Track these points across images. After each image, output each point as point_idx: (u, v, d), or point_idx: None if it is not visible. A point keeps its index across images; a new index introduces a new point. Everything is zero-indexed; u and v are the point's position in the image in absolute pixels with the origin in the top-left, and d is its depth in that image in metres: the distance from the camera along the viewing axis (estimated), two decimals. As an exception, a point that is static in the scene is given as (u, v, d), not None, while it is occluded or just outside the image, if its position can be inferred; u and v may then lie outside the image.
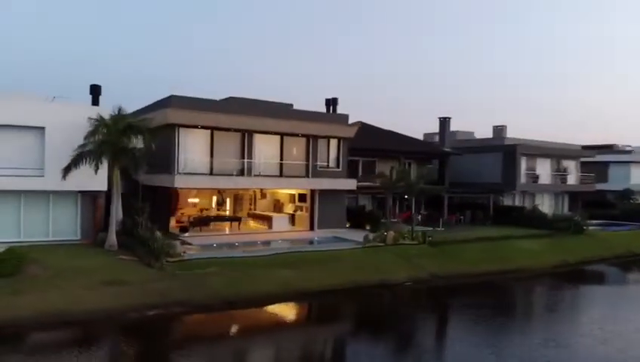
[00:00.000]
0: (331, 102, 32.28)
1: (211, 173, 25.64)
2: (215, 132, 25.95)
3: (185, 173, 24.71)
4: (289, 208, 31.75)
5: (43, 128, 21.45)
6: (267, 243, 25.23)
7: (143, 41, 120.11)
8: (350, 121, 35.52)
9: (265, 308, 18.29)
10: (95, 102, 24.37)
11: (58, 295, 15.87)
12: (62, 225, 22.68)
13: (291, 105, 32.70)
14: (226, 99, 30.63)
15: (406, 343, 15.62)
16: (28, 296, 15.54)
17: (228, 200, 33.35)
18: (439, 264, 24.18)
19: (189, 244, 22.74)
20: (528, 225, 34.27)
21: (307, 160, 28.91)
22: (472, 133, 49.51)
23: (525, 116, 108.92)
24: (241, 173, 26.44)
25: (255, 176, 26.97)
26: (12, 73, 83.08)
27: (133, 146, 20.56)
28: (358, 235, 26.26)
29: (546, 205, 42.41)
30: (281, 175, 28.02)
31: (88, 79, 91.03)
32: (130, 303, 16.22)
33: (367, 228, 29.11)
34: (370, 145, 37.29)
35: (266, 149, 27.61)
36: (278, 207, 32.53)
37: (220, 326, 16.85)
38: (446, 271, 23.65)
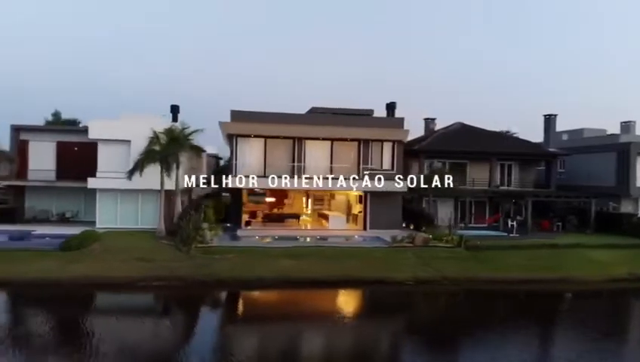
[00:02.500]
0: (390, 107, 33.15)
1: (264, 176, 29.48)
2: (268, 140, 29.80)
3: (241, 176, 29.04)
4: (356, 208, 33.74)
5: (129, 141, 28.02)
6: (304, 237, 27.85)
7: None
8: (449, 122, 35.92)
9: (248, 290, 21.12)
10: (174, 119, 30.44)
11: (99, 265, 21.53)
12: (147, 216, 29.09)
13: (372, 111, 34.75)
14: (310, 110, 34.35)
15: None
16: (79, 264, 21.50)
17: (305, 199, 37.11)
18: (461, 268, 23.69)
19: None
20: (637, 235, 29.89)
21: (358, 163, 30.65)
22: (581, 131, 43.62)
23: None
24: (292, 175, 29.66)
25: (305, 178, 29.89)
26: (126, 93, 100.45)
27: (176, 153, 25.52)
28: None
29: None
30: (331, 177, 30.32)
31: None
32: (145, 275, 20.96)
33: (423, 229, 29.58)
34: (457, 147, 36.79)
35: (316, 154, 30.35)
36: (348, 207, 34.80)
37: (195, 298, 20.27)
38: (466, 275, 23.10)
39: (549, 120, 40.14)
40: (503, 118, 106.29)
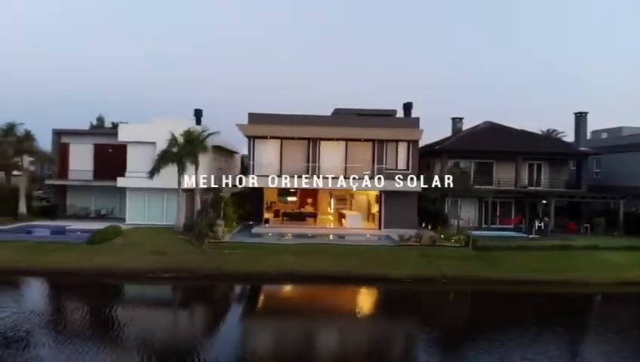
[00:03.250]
0: (407, 107, 33.34)
1: (280, 176, 30.61)
2: (284, 141, 30.92)
3: (257, 176, 30.34)
4: (375, 208, 34.20)
5: (154, 143, 29.98)
6: (318, 235, 28.64)
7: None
8: (478, 121, 35.62)
9: (250, 283, 22.24)
10: (198, 122, 32.21)
11: (117, 257, 23.44)
12: (172, 213, 30.98)
13: (394, 111, 35.20)
14: (333, 111, 35.30)
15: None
16: (99, 256, 23.50)
17: (328, 199, 37.99)
18: (463, 267, 23.72)
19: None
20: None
21: (373, 163, 31.14)
22: (619, 130, 41.55)
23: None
24: (307, 175, 30.62)
25: (320, 177, 30.75)
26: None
27: (194, 154, 27.12)
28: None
29: None
30: (345, 177, 31.02)
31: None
32: (156, 267, 22.64)
33: (438, 229, 29.68)
34: (482, 147, 36.41)
35: (331, 154, 31.13)
36: (368, 206, 35.31)
37: (198, 289, 21.64)
38: (466, 274, 23.11)
39: (580, 118, 38.66)
40: (552, 118, 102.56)
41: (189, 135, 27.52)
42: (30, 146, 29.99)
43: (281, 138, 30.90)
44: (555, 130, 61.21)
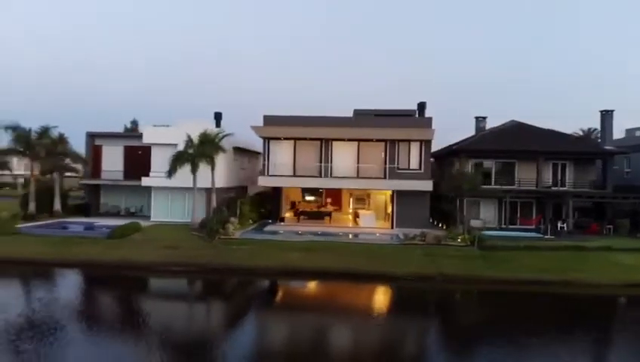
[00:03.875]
0: (421, 106, 33.54)
1: (294, 175, 31.63)
2: (297, 141, 31.92)
3: (271, 175, 31.50)
4: (390, 208, 34.60)
5: (176, 144, 31.68)
6: (330, 234, 29.34)
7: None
8: (503, 120, 35.56)
9: (253, 277, 23.32)
10: (218, 124, 33.73)
11: (132, 251, 25.13)
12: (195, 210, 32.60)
13: (414, 111, 35.62)
14: (353, 112, 36.11)
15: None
16: (117, 250, 25.29)
17: (348, 198, 38.69)
18: (464, 266, 23.79)
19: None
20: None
21: (385, 163, 31.59)
22: None
23: None
24: (320, 174, 31.49)
25: (333, 177, 31.56)
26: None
27: (210, 155, 28.53)
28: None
29: None
30: (357, 176, 31.64)
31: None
32: (168, 260, 24.14)
33: (449, 228, 29.84)
34: (502, 146, 36.01)
35: (343, 154, 31.85)
36: (385, 206, 35.75)
37: (203, 281, 23.05)
38: (466, 273, 23.12)
39: (605, 116, 37.36)
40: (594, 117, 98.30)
41: (204, 137, 28.98)
42: (63, 148, 32.40)
43: (295, 139, 31.92)
44: (595, 129, 59.12)
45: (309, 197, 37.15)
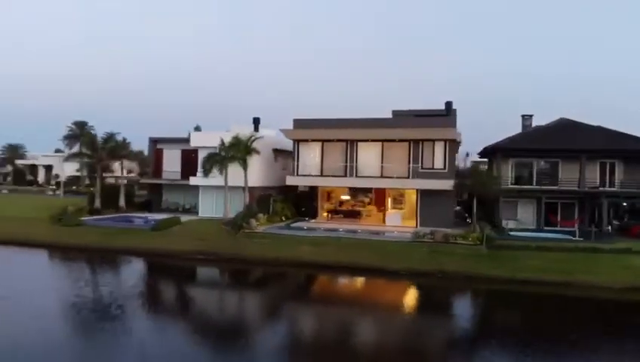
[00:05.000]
0: (448, 106, 33.56)
1: (321, 175, 33.46)
2: (325, 143, 33.70)
3: (300, 175, 33.60)
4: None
5: (216, 147, 34.94)
6: (351, 231, 30.61)
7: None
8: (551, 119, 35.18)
9: (262, 267, 25.80)
10: (256, 128, 36.58)
11: (167, 241, 28.66)
12: (234, 207, 35.53)
13: (454, 111, 36.01)
14: (393, 112, 37.32)
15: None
16: (155, 240, 28.95)
17: (386, 197, 39.55)
18: (466, 264, 24.10)
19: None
20: None
21: (408, 162, 32.25)
22: None
23: None
24: (345, 174, 33.00)
25: (358, 176, 32.89)
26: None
27: (242, 157, 31.32)
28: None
29: None
30: (381, 176, 32.63)
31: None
32: (193, 250, 27.29)
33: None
34: (543, 145, 34.88)
35: (368, 154, 33.01)
36: (415, 205, 36.16)
37: (216, 268, 25.94)
38: (466, 271, 23.52)
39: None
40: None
41: (236, 140, 31.88)
42: (126, 152, 37.23)
43: (322, 140, 33.70)
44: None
45: (344, 197, 38.58)
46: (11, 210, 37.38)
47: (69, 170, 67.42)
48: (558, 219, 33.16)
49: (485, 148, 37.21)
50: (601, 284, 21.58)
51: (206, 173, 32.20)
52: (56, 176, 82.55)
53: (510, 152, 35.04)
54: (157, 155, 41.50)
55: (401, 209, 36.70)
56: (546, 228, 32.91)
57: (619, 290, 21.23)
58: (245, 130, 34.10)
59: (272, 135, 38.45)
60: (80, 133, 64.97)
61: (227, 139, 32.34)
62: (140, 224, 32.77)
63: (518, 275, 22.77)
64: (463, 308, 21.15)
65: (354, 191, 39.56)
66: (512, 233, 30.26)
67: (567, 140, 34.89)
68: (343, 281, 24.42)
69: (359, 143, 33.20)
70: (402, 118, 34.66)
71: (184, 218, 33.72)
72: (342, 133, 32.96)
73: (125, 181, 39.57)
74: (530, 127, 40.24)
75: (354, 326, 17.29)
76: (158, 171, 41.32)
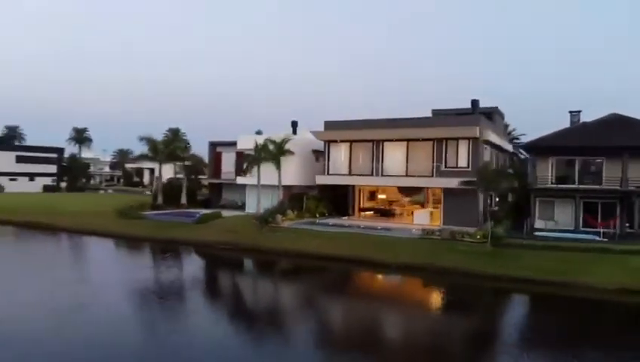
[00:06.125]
0: (474, 104, 33.31)
1: (349, 174, 35.12)
2: (353, 144, 35.28)
3: (330, 175, 35.56)
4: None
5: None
6: (371, 228, 31.73)
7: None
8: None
9: (271, 256, 28.53)
10: (294, 132, 39.20)
11: (204, 233, 32.32)
12: (273, 203, 38.59)
13: (495, 108, 36.06)
14: (432, 111, 38.23)
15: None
16: (194, 231, 32.79)
17: (427, 196, 40.04)
18: (462, 261, 24.44)
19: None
20: None
21: (432, 161, 32.68)
22: None
23: None
24: (372, 173, 34.33)
25: (384, 175, 34.04)
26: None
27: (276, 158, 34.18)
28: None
29: None
30: (406, 175, 33.42)
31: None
32: (221, 240, 30.65)
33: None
34: (582, 142, 33.25)
35: (393, 153, 33.98)
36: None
37: (229, 256, 29.05)
38: (459, 267, 23.90)
39: None
40: None
41: (270, 143, 34.80)
42: (184, 154, 41.93)
43: (350, 141, 35.33)
44: None
45: (381, 196, 39.73)
46: (94, 206, 43.87)
47: (168, 172, 76.43)
48: (598, 219, 31.37)
49: (525, 146, 36.10)
50: (598, 286, 20.80)
51: (244, 173, 35.47)
52: (158, 177, 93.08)
53: (549, 150, 33.75)
54: (216, 157, 45.93)
55: (436, 208, 37.01)
56: (584, 229, 31.35)
57: (611, 292, 20.37)
58: (276, 133, 36.74)
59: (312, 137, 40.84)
60: (173, 139, 73.09)
61: (260, 142, 35.34)
62: (190, 218, 36.98)
63: (510, 273, 22.73)
64: (427, 300, 21.82)
65: (407, 191, 40.46)
66: (538, 233, 29.44)
67: (616, 136, 32.75)
68: (328, 269, 26.32)
69: (385, 143, 34.31)
70: (437, 117, 35.16)
71: (231, 213, 37.36)
72: (368, 134, 34.33)
73: (185, 180, 44.15)
74: (577, 123, 38.11)
75: (315, 302, 19.11)
76: (217, 172, 45.73)
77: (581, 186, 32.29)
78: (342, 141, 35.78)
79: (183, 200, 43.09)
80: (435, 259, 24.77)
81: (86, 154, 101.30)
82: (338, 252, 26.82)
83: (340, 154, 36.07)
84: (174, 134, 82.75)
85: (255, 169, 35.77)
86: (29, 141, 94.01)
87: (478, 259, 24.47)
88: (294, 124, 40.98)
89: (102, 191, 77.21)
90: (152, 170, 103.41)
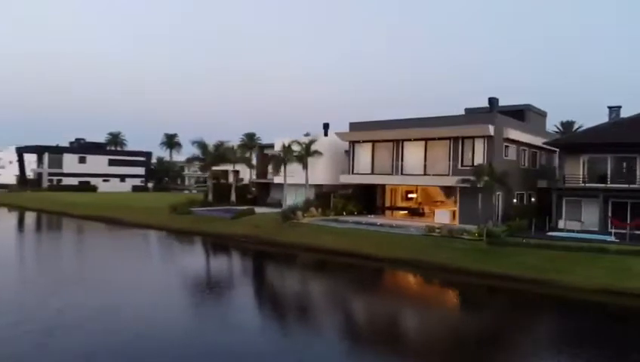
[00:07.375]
0: (491, 102, 32.87)
1: (372, 173, 36.35)
2: (375, 144, 36.46)
3: (354, 174, 37.09)
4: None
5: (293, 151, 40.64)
6: (387, 225, 32.77)
7: None
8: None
9: (280, 249, 30.73)
10: (325, 133, 41.15)
11: (232, 227, 35.51)
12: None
13: (528, 105, 35.79)
14: (465, 110, 38.58)
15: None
16: (227, 226, 36.09)
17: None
18: (451, 257, 24.89)
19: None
20: None
21: (449, 160, 32.90)
22: None
23: None
24: (392, 172, 35.32)
25: (403, 174, 34.86)
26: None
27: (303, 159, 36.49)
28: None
29: None
30: (425, 173, 33.94)
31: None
32: (244, 233, 33.60)
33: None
34: (614, 139, 31.58)
35: (413, 153, 34.65)
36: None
37: (245, 248, 31.51)
38: (445, 263, 24.45)
39: None
40: None
41: (297, 144, 37.20)
42: (233, 156, 45.79)
43: (373, 141, 36.53)
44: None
45: (411, 195, 40.23)
46: (163, 203, 48.98)
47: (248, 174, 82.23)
48: (628, 220, 29.56)
49: (554, 143, 34.75)
50: (580, 286, 20.36)
51: (273, 172, 38.23)
52: (241, 179, 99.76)
53: (580, 147, 32.38)
54: (264, 159, 49.27)
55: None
56: (612, 230, 29.67)
57: (589, 292, 19.88)
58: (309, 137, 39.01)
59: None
60: (249, 143, 78.44)
61: (286, 144, 37.88)
62: (229, 214, 40.54)
63: (497, 271, 22.86)
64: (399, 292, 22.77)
65: (448, 189, 40.68)
66: (551, 233, 28.61)
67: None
68: (323, 260, 28.01)
69: (405, 143, 35.08)
70: (452, 116, 35.10)
71: (266, 210, 40.27)
72: (389, 134, 35.34)
73: (235, 180, 48.05)
74: (615, 119, 35.72)
75: (299, 286, 21.12)
76: (264, 172, 49.07)
77: (612, 185, 30.66)
78: (364, 141, 37.11)
79: (233, 198, 46.92)
80: (426, 255, 25.45)
81: (177, 157, 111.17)
82: (340, 246, 28.41)
83: (363, 154, 37.42)
84: (249, 138, 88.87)
85: (283, 169, 38.22)
86: (130, 146, 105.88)
87: (467, 256, 24.78)
88: (325, 126, 42.99)
89: (186, 191, 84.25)
90: (236, 172, 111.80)
